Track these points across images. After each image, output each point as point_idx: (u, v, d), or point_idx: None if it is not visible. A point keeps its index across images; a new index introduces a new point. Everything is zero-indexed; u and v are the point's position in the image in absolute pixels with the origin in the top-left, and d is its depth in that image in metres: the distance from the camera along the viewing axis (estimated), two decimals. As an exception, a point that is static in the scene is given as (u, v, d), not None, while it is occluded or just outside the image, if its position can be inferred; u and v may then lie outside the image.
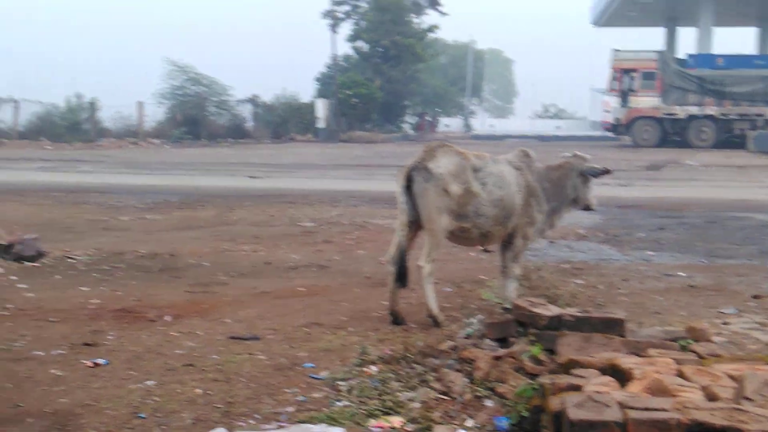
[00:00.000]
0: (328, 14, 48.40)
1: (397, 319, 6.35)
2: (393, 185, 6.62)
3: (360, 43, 50.38)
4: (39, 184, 18.07)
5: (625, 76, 38.44)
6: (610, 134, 42.40)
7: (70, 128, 37.43)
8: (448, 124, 65.71)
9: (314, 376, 5.03)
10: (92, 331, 6.04)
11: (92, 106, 38.41)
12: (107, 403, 4.51)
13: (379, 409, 4.38)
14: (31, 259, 8.75)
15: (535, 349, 4.75)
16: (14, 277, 8.05)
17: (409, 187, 6.29)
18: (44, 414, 4.35)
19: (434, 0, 52.22)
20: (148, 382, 4.86)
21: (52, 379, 4.92)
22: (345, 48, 50.95)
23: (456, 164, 6.30)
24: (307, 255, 9.68)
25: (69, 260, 8.99)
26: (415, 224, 6.39)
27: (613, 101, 40.27)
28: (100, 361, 5.26)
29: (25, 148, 33.01)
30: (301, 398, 4.65)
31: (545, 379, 4.11)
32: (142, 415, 4.33)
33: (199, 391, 4.73)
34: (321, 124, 43.06)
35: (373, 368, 5.06)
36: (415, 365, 5.09)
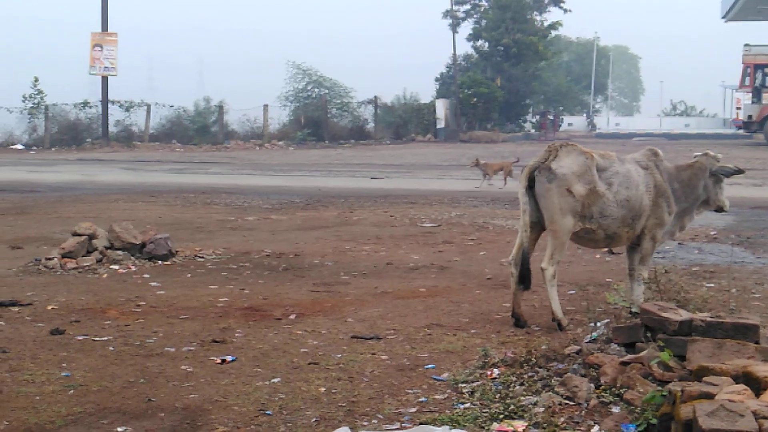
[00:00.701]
0: (449, 14, 48.34)
1: (519, 322, 6.28)
2: (514, 186, 6.54)
3: (480, 42, 50.10)
4: (170, 186, 18.74)
5: (758, 72, 36.87)
6: (742, 132, 40.72)
7: (199, 131, 38.67)
8: (572, 122, 64.56)
9: (436, 377, 5.02)
10: (221, 328, 6.21)
11: (220, 110, 39.57)
12: (235, 399, 4.63)
13: (501, 413, 4.33)
14: (163, 257, 9.07)
15: (665, 355, 4.59)
16: (147, 275, 8.36)
17: (531, 187, 6.21)
18: (175, 409, 4.50)
19: (557, -3, 51.38)
20: (274, 380, 4.96)
21: (182, 375, 5.09)
22: (465, 47, 50.79)
23: (580, 164, 6.17)
24: (427, 255, 9.69)
25: (198, 259, 9.28)
26: (538, 225, 6.30)
27: (745, 98, 38.67)
28: (228, 358, 5.40)
29: (157, 150, 34.31)
30: (423, 399, 4.65)
31: (675, 386, 3.98)
32: (269, 412, 4.42)
33: (323, 389, 4.80)
34: (441, 124, 43.05)
35: (496, 371, 5.01)
36: (538, 369, 5.01)
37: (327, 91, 42.24)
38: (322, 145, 37.95)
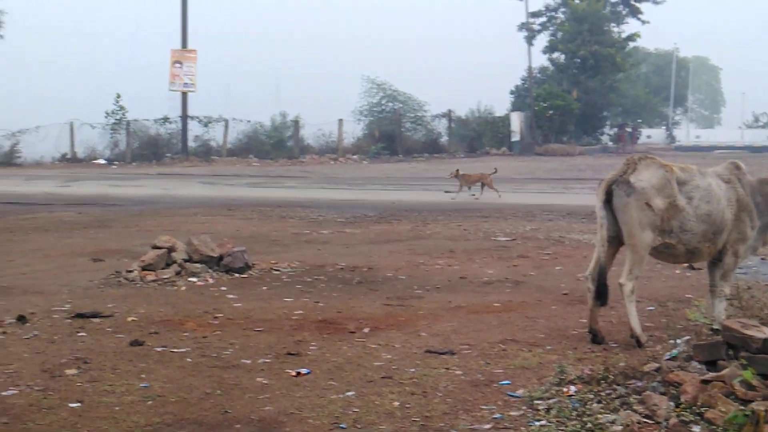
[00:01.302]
0: (524, 27, 48.08)
1: (596, 338, 6.17)
2: (592, 199, 6.44)
3: (556, 55, 49.68)
4: (247, 199, 19.00)
5: None
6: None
7: (275, 145, 39.16)
8: (650, 135, 63.44)
9: (511, 393, 4.97)
10: (295, 341, 6.25)
11: (295, 125, 40.02)
12: (310, 412, 4.65)
13: (578, 431, 4.25)
14: (240, 270, 9.19)
15: (747, 374, 4.46)
16: (224, 288, 8.48)
17: (609, 201, 6.10)
18: (251, 421, 4.54)
19: (635, 8, 50.71)
20: (348, 393, 4.97)
21: (258, 386, 5.13)
22: (541, 60, 50.41)
23: (659, 177, 6.05)
24: (502, 270, 9.61)
25: (274, 272, 9.37)
26: (616, 240, 6.19)
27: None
28: (303, 370, 5.43)
29: (234, 164, 34.86)
30: (497, 416, 4.60)
31: (759, 406, 3.86)
32: (343, 426, 4.43)
33: (396, 403, 4.79)
34: (516, 137, 42.77)
35: (572, 388, 4.93)
36: (616, 386, 4.91)
37: (401, 105, 42.37)
38: (395, 158, 38.06)
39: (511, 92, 49.67)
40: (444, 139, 43.22)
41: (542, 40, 49.96)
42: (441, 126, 43.72)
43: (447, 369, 5.49)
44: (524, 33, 47.82)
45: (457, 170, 20.32)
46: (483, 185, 19.69)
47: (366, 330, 6.61)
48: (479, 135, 43.78)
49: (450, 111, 43.54)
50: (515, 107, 46.63)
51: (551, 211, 15.96)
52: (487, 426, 4.44)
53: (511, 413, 4.63)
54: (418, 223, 14.36)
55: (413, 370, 5.47)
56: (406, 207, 17.02)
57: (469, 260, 10.34)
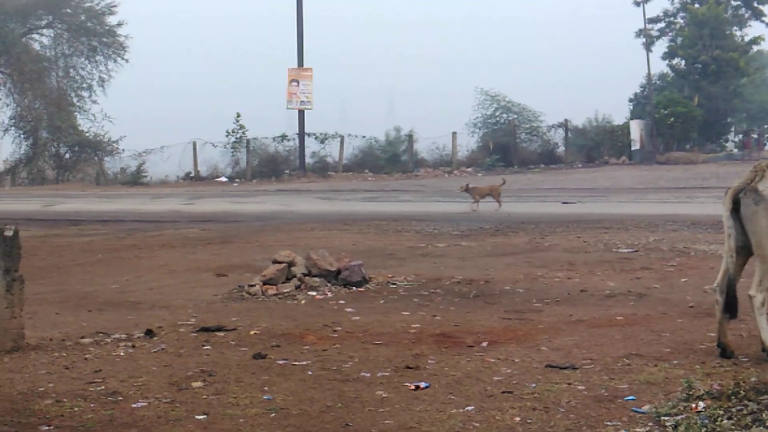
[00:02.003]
0: (642, 33, 46.97)
1: (725, 352, 5.93)
2: (717, 208, 6.22)
3: (676, 60, 48.26)
4: (363, 214, 19.19)
5: None
6: None
7: (390, 160, 39.41)
8: (779, 141, 60.77)
9: (636, 409, 4.82)
10: (414, 354, 6.25)
11: (409, 139, 40.20)
12: (430, 426, 4.63)
13: (709, 449, 4.10)
14: (357, 284, 9.27)
15: None
16: (342, 301, 8.57)
17: (736, 210, 5.87)
18: (371, 434, 4.56)
19: (758, 11, 48.82)
20: (468, 408, 4.93)
21: (377, 400, 5.15)
22: (660, 66, 49.04)
23: (790, 184, 5.78)
24: (624, 282, 9.38)
25: (391, 285, 9.42)
26: (745, 250, 5.95)
27: None
28: (422, 384, 5.42)
29: (350, 180, 35.29)
30: (622, 432, 4.47)
31: None
32: (463, 441, 4.39)
33: (518, 419, 4.72)
34: (636, 146, 41.71)
35: (701, 404, 4.75)
36: (747, 402, 4.70)
37: (515, 116, 41.97)
38: (511, 170, 37.69)
39: (630, 100, 48.49)
40: (560, 149, 42.56)
41: (661, 46, 48.60)
42: (557, 136, 43.06)
43: (569, 384, 5.38)
44: (642, 39, 46.66)
45: (467, 184, 20.60)
46: (496, 198, 19.80)
47: (484, 344, 6.55)
48: (597, 144, 42.89)
49: (566, 120, 42.85)
50: (634, 115, 45.48)
51: (675, 221, 15.48)
52: (612, 443, 4.33)
53: (637, 429, 4.49)
54: (536, 235, 14.18)
55: (534, 385, 5.38)
56: (523, 219, 16.83)
57: (590, 273, 10.13)
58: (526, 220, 16.63)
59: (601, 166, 39.70)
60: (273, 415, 4.89)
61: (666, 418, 4.59)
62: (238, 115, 39.47)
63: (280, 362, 6.08)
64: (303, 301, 8.63)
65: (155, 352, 6.47)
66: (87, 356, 6.31)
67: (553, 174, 35.20)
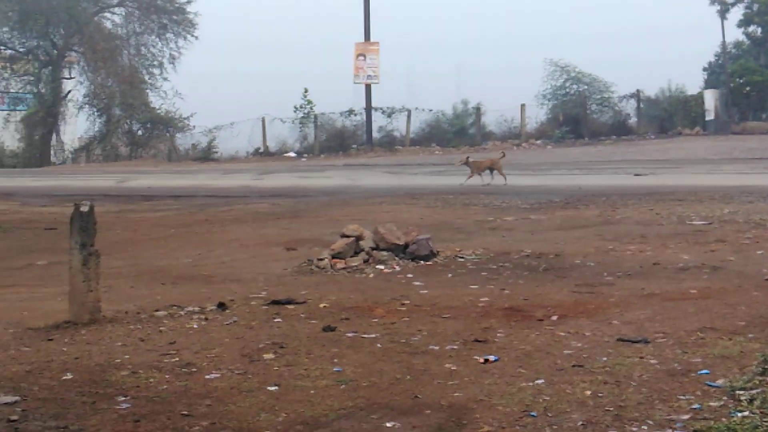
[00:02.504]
0: (717, 0, 45.65)
1: (804, 326, 5.78)
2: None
3: (752, 28, 46.78)
4: (430, 188, 19.15)
5: None
6: None
7: (457, 133, 39.19)
8: None
9: (710, 383, 4.74)
10: (482, 328, 6.24)
11: (477, 112, 39.88)
12: (499, 399, 4.62)
13: (787, 425, 4.00)
14: (425, 258, 9.27)
15: None
16: (410, 275, 8.59)
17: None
18: (440, 406, 4.57)
19: (839, -28, 46.95)
20: (538, 381, 4.90)
21: (446, 373, 5.16)
22: (735, 34, 47.61)
23: None
24: (698, 255, 9.19)
25: (459, 259, 9.39)
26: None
27: None
28: (491, 357, 5.41)
29: (417, 154, 35.22)
30: (696, 406, 4.40)
31: None
32: (533, 414, 4.37)
33: (588, 392, 4.67)
34: (710, 116, 40.68)
35: (778, 379, 4.64)
36: (828, 378, 4.58)
37: (586, 87, 41.27)
38: (581, 142, 37.17)
39: (704, 69, 47.26)
40: (632, 120, 41.74)
41: (736, 13, 47.13)
42: (629, 107, 42.22)
43: (641, 358, 5.30)
44: (716, 7, 45.35)
45: (467, 158, 20.33)
46: (493, 171, 19.45)
47: (554, 317, 6.50)
48: (670, 115, 41.94)
49: (638, 91, 41.98)
50: (709, 85, 44.32)
51: (751, 193, 15.08)
52: (685, 416, 4.26)
53: (711, 404, 4.42)
54: (607, 207, 13.97)
55: (605, 358, 5.32)
56: (594, 191, 16.59)
57: (662, 245, 9.95)
58: (597, 192, 16.39)
59: (674, 137, 38.86)
60: (343, 386, 4.93)
61: (741, 392, 4.50)
62: (306, 91, 39.65)
63: (350, 335, 6.13)
64: (371, 275, 8.67)
65: (227, 324, 6.58)
66: (161, 329, 6.45)
67: (625, 145, 34.58)
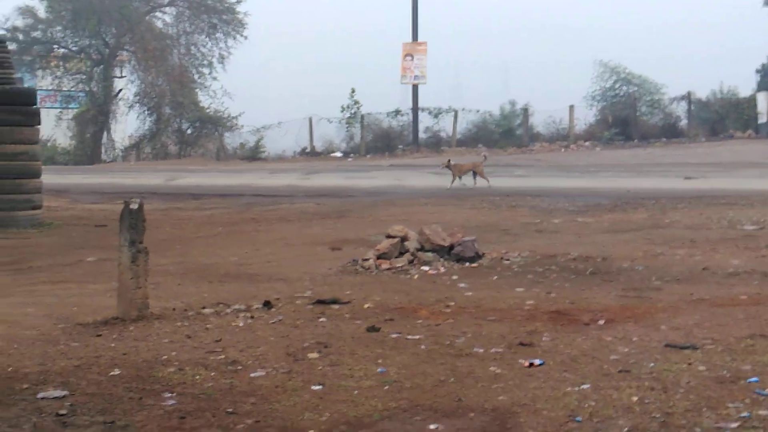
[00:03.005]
0: (771, 0, 44.79)
1: None
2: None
3: (808, 29, 45.92)
4: (476, 189, 19.07)
5: None
6: None
7: (504, 134, 39.00)
8: None
9: (760, 391, 4.65)
10: (528, 331, 6.19)
11: (525, 112, 39.65)
12: (544, 403, 4.59)
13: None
14: (470, 260, 9.24)
15: None
16: (455, 277, 8.56)
17: None
18: (484, 410, 4.54)
19: None
20: (584, 386, 4.85)
21: (490, 376, 5.13)
22: (790, 35, 46.74)
23: None
24: (748, 260, 9.04)
25: (504, 261, 9.35)
26: None
27: None
28: (536, 361, 5.37)
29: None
30: (745, 414, 4.32)
31: None
32: (578, 419, 4.33)
33: (635, 398, 4.62)
34: (762, 119, 39.94)
35: (832, 389, 4.54)
36: None
37: (636, 88, 40.82)
38: (630, 144, 36.75)
39: (757, 71, 46.40)
40: (683, 122, 41.15)
41: (792, 13, 46.32)
42: (680, 109, 41.63)
43: (689, 364, 5.22)
44: (771, 6, 44.53)
45: (449, 161, 20.36)
46: (475, 174, 19.44)
47: (601, 322, 6.43)
48: (722, 118, 41.29)
49: (689, 93, 41.41)
50: (761, 87, 43.53)
51: (804, 198, 14.79)
52: (734, 425, 4.18)
53: (761, 412, 4.33)
54: (656, 211, 13.80)
55: (652, 364, 5.25)
56: (643, 194, 16.40)
57: (712, 250, 9.80)
58: (646, 195, 16.20)
59: (725, 140, 38.23)
60: (387, 387, 4.93)
61: (793, 402, 4.42)
62: (353, 91, 39.75)
63: (394, 336, 6.12)
64: (416, 276, 8.66)
65: (273, 323, 6.62)
66: (208, 326, 6.51)
67: (675, 148, 34.10)
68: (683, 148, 33.44)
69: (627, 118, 39.37)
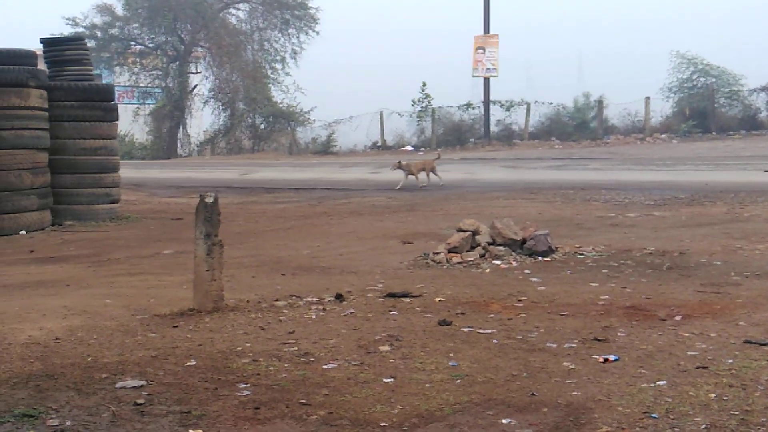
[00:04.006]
0: None
1: None
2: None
3: None
4: (548, 182, 18.88)
5: None
6: None
7: (578, 127, 38.49)
8: None
9: None
10: (602, 326, 6.10)
11: (599, 105, 39.07)
12: (619, 399, 4.52)
13: None
14: (543, 254, 9.14)
15: None
16: (527, 271, 8.48)
17: None
18: (558, 405, 4.50)
19: None
20: (660, 382, 4.77)
21: (564, 371, 5.07)
22: None
23: None
24: (833, 256, 8.74)
25: (578, 256, 9.22)
26: None
27: None
28: (611, 357, 5.29)
29: (535, 148, 34.78)
30: (830, 415, 4.18)
31: None
32: (654, 416, 4.25)
33: (713, 395, 4.52)
34: None
35: None
36: None
37: (714, 79, 39.87)
38: (708, 137, 35.92)
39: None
40: (763, 114, 40.03)
41: None
42: (760, 100, 40.53)
43: (770, 361, 5.09)
44: None
45: (399, 161, 20.33)
46: (429, 173, 19.39)
47: (678, 317, 6.31)
48: (805, 109, 40.05)
49: (769, 84, 40.24)
50: None
51: None
52: (818, 425, 4.06)
53: None
54: (735, 205, 13.46)
55: (731, 361, 5.13)
56: (721, 188, 16.01)
57: (794, 245, 9.51)
58: (725, 189, 15.81)
59: (809, 132, 37.10)
60: (458, 381, 4.92)
61: None
62: (424, 85, 39.70)
63: (465, 330, 6.10)
64: (487, 270, 8.61)
65: (344, 315, 6.66)
66: (281, 318, 6.58)
67: (755, 140, 33.18)
68: (764, 141, 32.53)
69: (705, 110, 38.47)
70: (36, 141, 13.67)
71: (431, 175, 19.46)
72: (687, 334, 5.80)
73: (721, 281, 7.70)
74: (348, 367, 5.25)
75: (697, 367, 5.02)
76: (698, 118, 37.89)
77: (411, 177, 19.29)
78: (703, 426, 4.10)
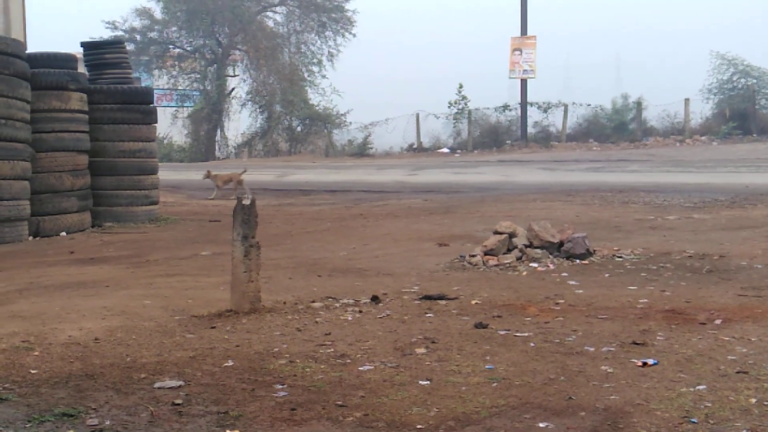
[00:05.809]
0: None
1: None
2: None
3: None
4: (586, 184, 18.74)
5: None
6: None
7: (616, 129, 38.20)
8: None
9: None
10: (641, 330, 6.04)
11: (638, 106, 38.74)
12: (657, 404, 4.47)
13: None
14: (581, 257, 9.08)
15: None
16: (565, 274, 8.43)
17: None
18: (596, 409, 4.45)
19: None
20: (699, 387, 4.71)
21: (602, 375, 5.03)
22: None
23: None
24: None
25: (617, 259, 9.15)
26: None
27: None
28: (650, 361, 5.23)
29: (573, 149, 34.56)
30: None
31: None
32: (694, 420, 4.20)
33: (753, 400, 4.45)
34: None
35: None
36: None
37: (755, 80, 39.34)
38: (749, 138, 35.45)
39: None
40: (806, 115, 39.43)
41: None
42: (802, 102, 39.94)
43: (817, 366, 5.00)
44: None
45: (209, 171, 20.77)
46: (237, 185, 19.70)
47: (718, 321, 6.22)
48: None
49: (812, 85, 39.60)
50: None
51: None
52: None
53: None
54: (777, 207, 13.26)
55: (772, 365, 5.05)
56: (762, 190, 15.79)
57: (839, 248, 9.35)
58: (766, 191, 15.59)
59: None
60: (495, 384, 4.89)
61: None
62: (461, 86, 39.65)
63: (502, 332, 6.07)
64: (524, 273, 8.56)
65: (380, 317, 6.66)
66: (317, 319, 6.60)
67: (797, 142, 32.71)
68: (806, 142, 32.04)
69: (745, 111, 37.97)
70: (76, 143, 13.86)
71: (239, 188, 19.73)
72: (727, 338, 5.72)
73: (761, 285, 7.59)
74: (384, 369, 5.25)
75: (738, 372, 4.95)
76: (738, 120, 37.40)
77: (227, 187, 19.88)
78: (743, 431, 4.04)
